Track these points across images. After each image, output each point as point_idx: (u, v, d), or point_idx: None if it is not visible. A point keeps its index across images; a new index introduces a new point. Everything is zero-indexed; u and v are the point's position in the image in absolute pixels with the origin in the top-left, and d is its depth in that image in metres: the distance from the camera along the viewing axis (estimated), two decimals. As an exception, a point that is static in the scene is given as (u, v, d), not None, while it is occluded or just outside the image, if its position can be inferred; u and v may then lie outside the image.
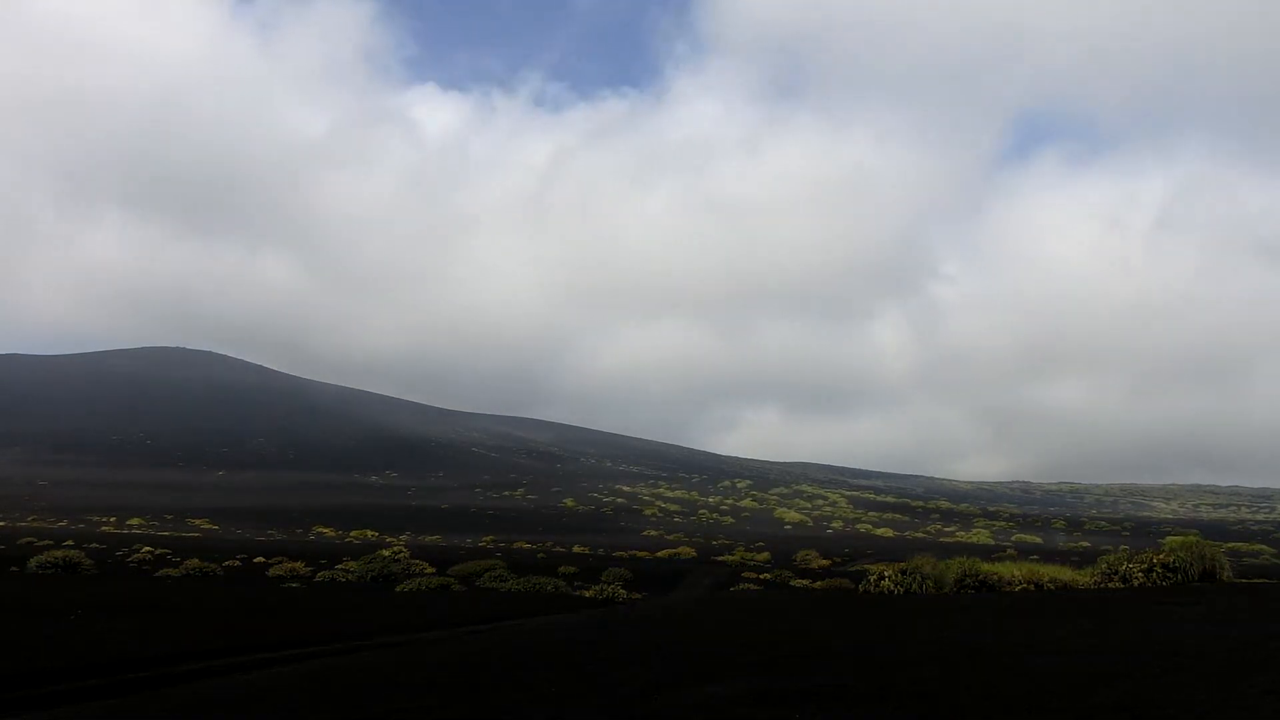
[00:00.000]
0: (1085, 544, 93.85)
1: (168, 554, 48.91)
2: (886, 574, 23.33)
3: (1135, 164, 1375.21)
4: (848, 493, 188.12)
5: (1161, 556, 21.21)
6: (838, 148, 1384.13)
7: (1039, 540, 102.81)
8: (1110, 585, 21.28)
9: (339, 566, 40.47)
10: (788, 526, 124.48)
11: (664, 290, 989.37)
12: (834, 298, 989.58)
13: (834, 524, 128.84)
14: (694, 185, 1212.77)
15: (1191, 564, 20.80)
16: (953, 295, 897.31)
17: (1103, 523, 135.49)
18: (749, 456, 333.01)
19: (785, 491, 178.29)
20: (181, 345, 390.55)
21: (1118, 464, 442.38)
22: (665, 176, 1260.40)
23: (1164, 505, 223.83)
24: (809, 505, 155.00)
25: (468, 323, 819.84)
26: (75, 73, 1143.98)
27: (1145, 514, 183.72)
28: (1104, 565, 22.26)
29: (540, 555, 58.95)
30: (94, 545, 55.05)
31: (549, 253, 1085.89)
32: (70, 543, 53.73)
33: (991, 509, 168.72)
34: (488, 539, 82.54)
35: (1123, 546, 65.34)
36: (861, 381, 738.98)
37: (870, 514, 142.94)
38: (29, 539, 58.35)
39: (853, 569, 46.45)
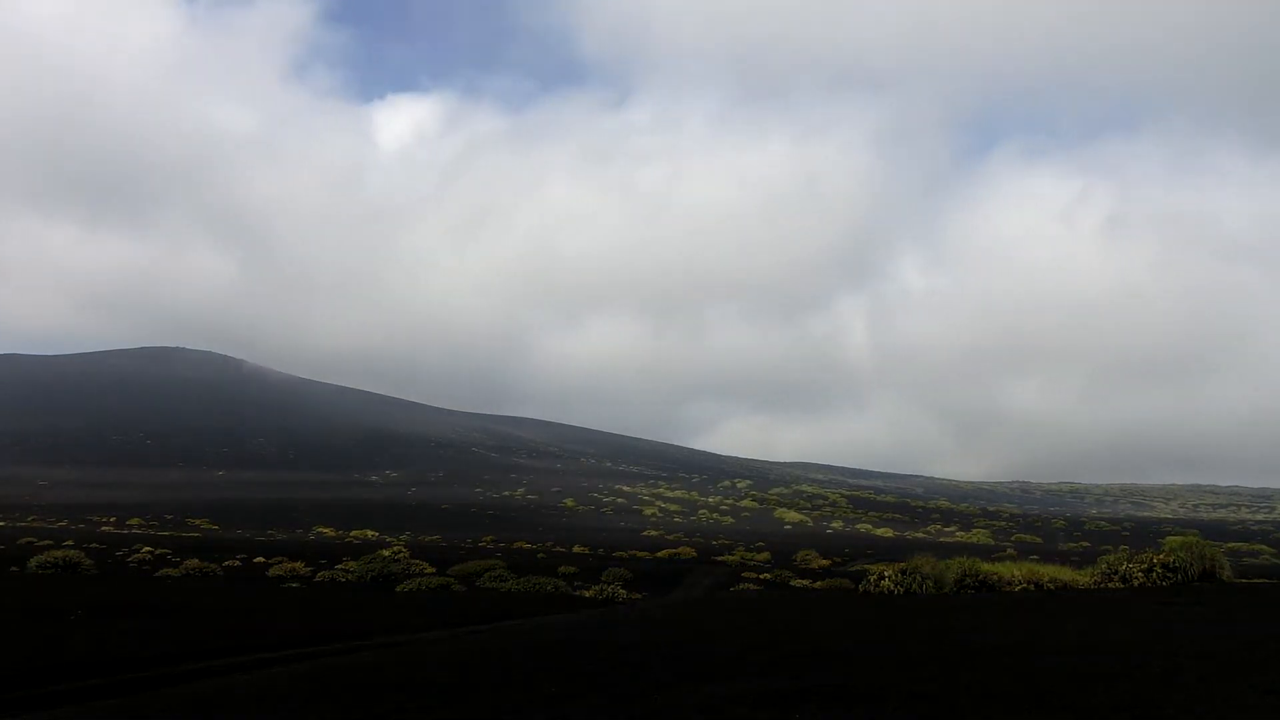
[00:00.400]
0: (1085, 544, 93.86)
1: (168, 554, 48.90)
2: (886, 574, 23.31)
3: (1097, 160, 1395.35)
4: (848, 493, 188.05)
5: (1161, 556, 21.19)
6: (799, 148, 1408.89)
7: (1039, 540, 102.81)
8: (1110, 585, 21.26)
9: (339, 566, 40.46)
10: (788, 526, 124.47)
11: (623, 288, 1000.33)
12: (796, 296, 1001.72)
13: (834, 524, 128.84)
14: (652, 185, 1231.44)
15: (1191, 564, 20.78)
16: (920, 294, 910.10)
17: (1103, 523, 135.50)
18: (746, 456, 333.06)
19: (785, 491, 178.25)
20: (181, 345, 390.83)
21: (1093, 463, 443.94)
22: (623, 176, 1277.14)
23: (1164, 505, 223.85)
24: (809, 505, 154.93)
25: (429, 320, 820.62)
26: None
27: (1145, 514, 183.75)
28: (1104, 565, 22.23)
29: (540, 555, 58.93)
30: (94, 545, 55.03)
31: (506, 252, 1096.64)
32: (70, 543, 53.71)
33: (991, 509, 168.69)
34: (488, 539, 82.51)
35: (1123, 546, 65.35)
36: (826, 382, 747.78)
37: (870, 514, 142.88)
38: (29, 539, 58.35)
39: (853, 569, 46.44)
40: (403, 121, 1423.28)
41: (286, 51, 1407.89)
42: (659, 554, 66.68)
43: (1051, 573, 22.93)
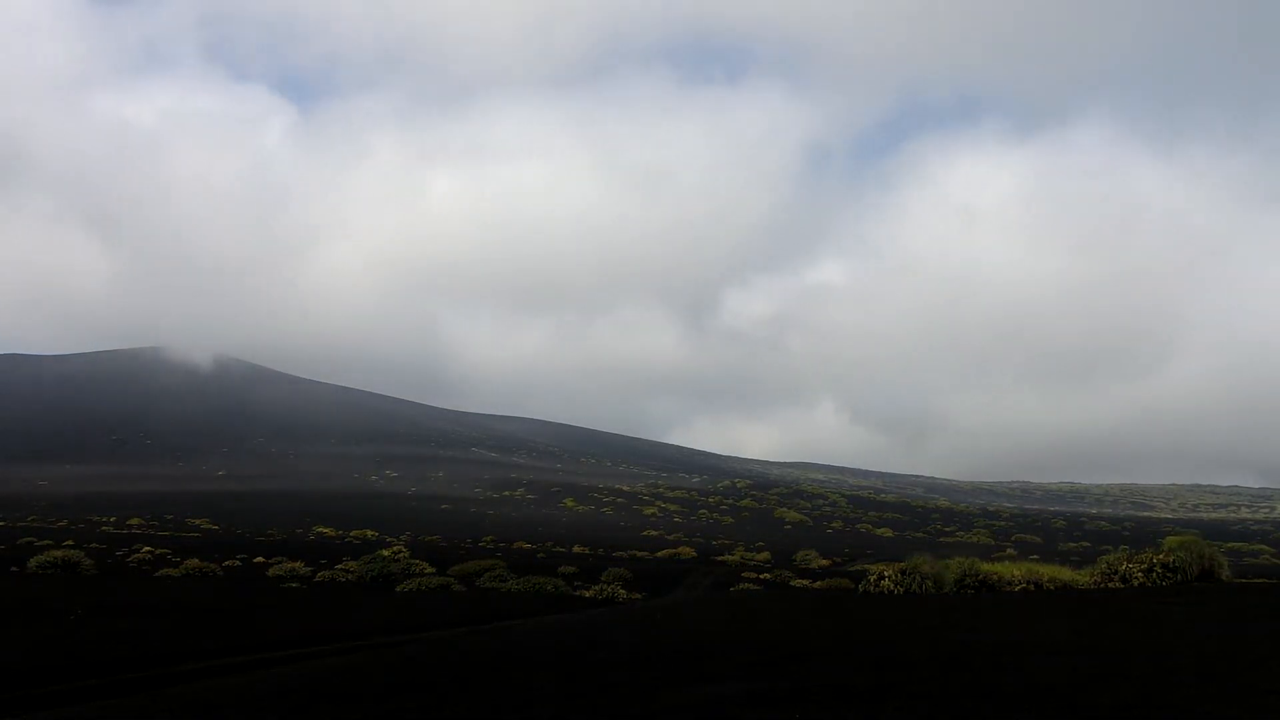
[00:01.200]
0: (1085, 544, 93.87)
1: (168, 554, 48.88)
2: (886, 574, 23.32)
3: (1026, 153, 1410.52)
4: (848, 493, 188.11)
5: (1161, 556, 21.20)
6: (725, 145, 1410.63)
7: (1039, 540, 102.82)
8: (1110, 585, 21.26)
9: (339, 566, 40.46)
10: (788, 526, 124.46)
11: (560, 285, 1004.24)
12: (722, 293, 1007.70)
13: (834, 524, 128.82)
14: (574, 178, 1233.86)
15: (1191, 564, 20.79)
16: (846, 291, 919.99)
17: (1103, 523, 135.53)
18: (749, 456, 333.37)
19: (785, 491, 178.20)
20: (180, 346, 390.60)
21: (1031, 462, 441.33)
22: (540, 171, 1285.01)
23: (1164, 505, 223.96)
24: (809, 505, 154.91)
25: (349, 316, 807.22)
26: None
27: (1145, 514, 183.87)
28: (1104, 565, 22.24)
29: (540, 555, 58.94)
30: (94, 545, 55.00)
31: (403, 245, 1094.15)
32: (70, 543, 53.65)
33: (991, 509, 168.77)
34: (488, 539, 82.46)
35: (1123, 546, 65.36)
36: (768, 381, 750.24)
37: (870, 514, 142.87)
38: (29, 539, 58.30)
39: (853, 569, 46.45)
40: (295, 116, 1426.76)
41: (175, 45, 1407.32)
42: (659, 554, 66.69)
43: (1051, 572, 22.94)
